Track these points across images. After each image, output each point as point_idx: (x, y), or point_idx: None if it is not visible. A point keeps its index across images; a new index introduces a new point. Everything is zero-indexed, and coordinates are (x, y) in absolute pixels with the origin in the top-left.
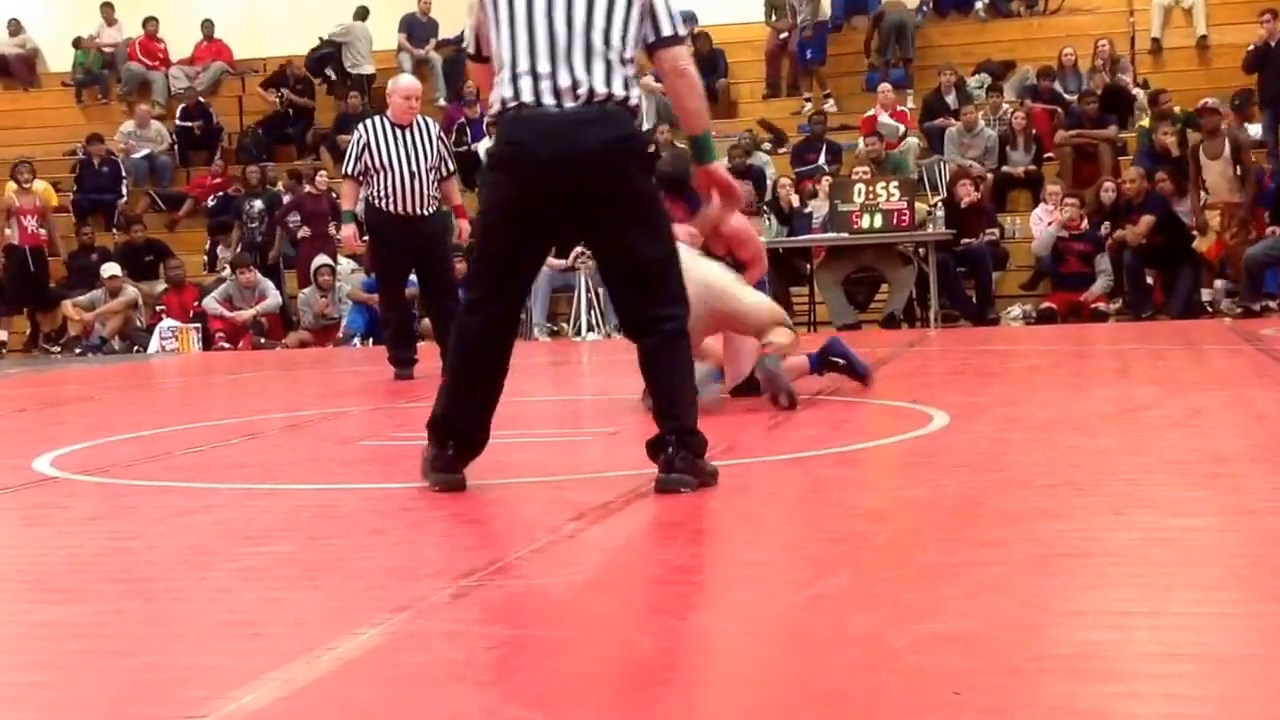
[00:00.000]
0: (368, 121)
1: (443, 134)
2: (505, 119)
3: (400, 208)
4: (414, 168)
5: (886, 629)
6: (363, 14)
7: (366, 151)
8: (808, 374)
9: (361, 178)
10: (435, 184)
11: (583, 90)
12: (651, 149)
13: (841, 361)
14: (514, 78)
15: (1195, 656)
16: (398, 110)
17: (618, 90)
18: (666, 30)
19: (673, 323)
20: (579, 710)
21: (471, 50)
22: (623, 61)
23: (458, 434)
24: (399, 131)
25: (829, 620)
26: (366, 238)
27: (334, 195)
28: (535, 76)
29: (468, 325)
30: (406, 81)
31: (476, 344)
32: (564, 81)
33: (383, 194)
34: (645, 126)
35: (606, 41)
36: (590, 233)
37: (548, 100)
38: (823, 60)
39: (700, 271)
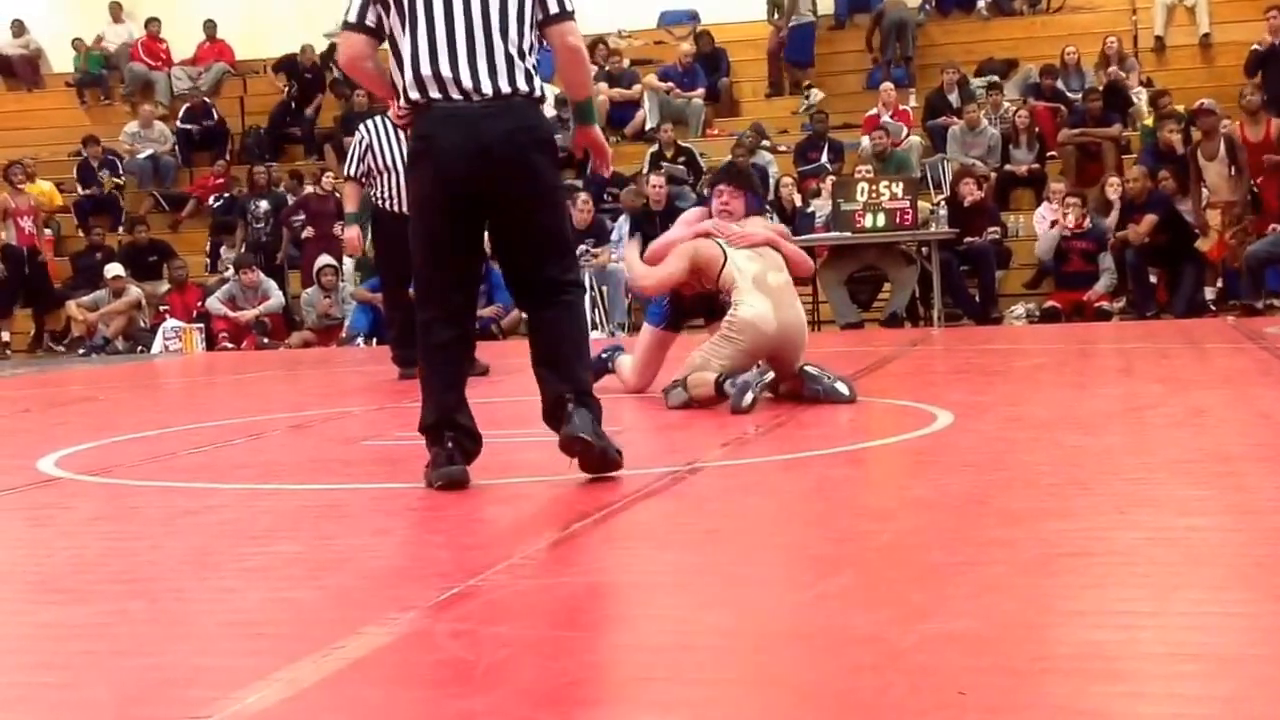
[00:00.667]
0: (369, 122)
1: None
2: (418, 116)
3: (404, 207)
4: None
5: (891, 629)
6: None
7: (369, 153)
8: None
9: (364, 179)
10: None
11: (487, 89)
12: (657, 146)
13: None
14: (419, 79)
15: (1200, 656)
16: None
17: (521, 85)
18: (554, 9)
19: (571, 292)
20: (586, 710)
21: (354, 19)
22: (522, 55)
23: (450, 424)
24: (401, 132)
25: (833, 620)
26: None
27: (338, 195)
28: (440, 80)
29: (420, 325)
30: None
31: (431, 343)
32: (467, 83)
33: (386, 195)
34: (649, 125)
35: (505, 37)
36: (497, 216)
37: (455, 97)
38: (810, 61)
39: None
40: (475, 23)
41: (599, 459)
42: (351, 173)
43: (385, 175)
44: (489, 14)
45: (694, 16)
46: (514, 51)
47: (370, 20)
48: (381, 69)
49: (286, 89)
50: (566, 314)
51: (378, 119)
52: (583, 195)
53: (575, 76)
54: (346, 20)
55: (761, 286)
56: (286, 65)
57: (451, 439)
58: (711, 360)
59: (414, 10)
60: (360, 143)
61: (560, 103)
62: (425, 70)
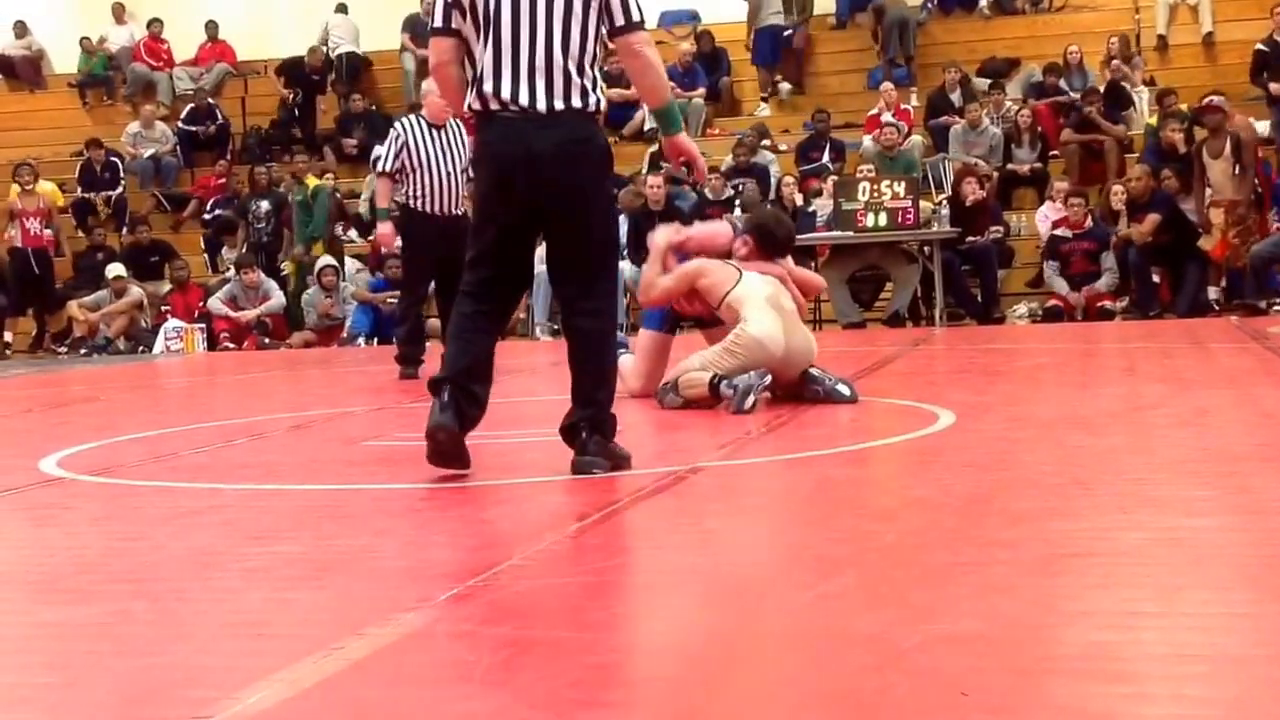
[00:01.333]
0: (405, 120)
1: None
2: (480, 124)
3: (435, 208)
4: (449, 168)
5: (894, 629)
6: (341, 9)
7: (405, 150)
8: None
9: (397, 175)
10: (467, 185)
11: (541, 105)
12: (656, 146)
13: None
14: (481, 94)
15: (1205, 657)
16: (433, 110)
17: (575, 101)
18: (620, 20)
19: (595, 315)
20: (587, 711)
21: (440, 24)
22: (580, 71)
23: (452, 381)
24: (435, 131)
25: (836, 620)
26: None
27: (338, 195)
28: (499, 98)
29: (458, 297)
30: None
31: (460, 311)
32: (524, 100)
33: (418, 193)
34: (648, 125)
35: (566, 54)
36: (547, 223)
37: (513, 109)
38: (778, 61)
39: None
40: (539, 40)
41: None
42: (386, 168)
43: (417, 173)
44: (552, 31)
45: (694, 16)
46: (573, 68)
47: (455, 24)
48: (464, 77)
49: (291, 95)
50: (590, 339)
51: (413, 117)
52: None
53: (645, 83)
54: (433, 25)
55: (775, 306)
56: (290, 69)
57: (449, 392)
58: (710, 369)
59: (485, 25)
60: (396, 139)
61: None
62: (488, 87)
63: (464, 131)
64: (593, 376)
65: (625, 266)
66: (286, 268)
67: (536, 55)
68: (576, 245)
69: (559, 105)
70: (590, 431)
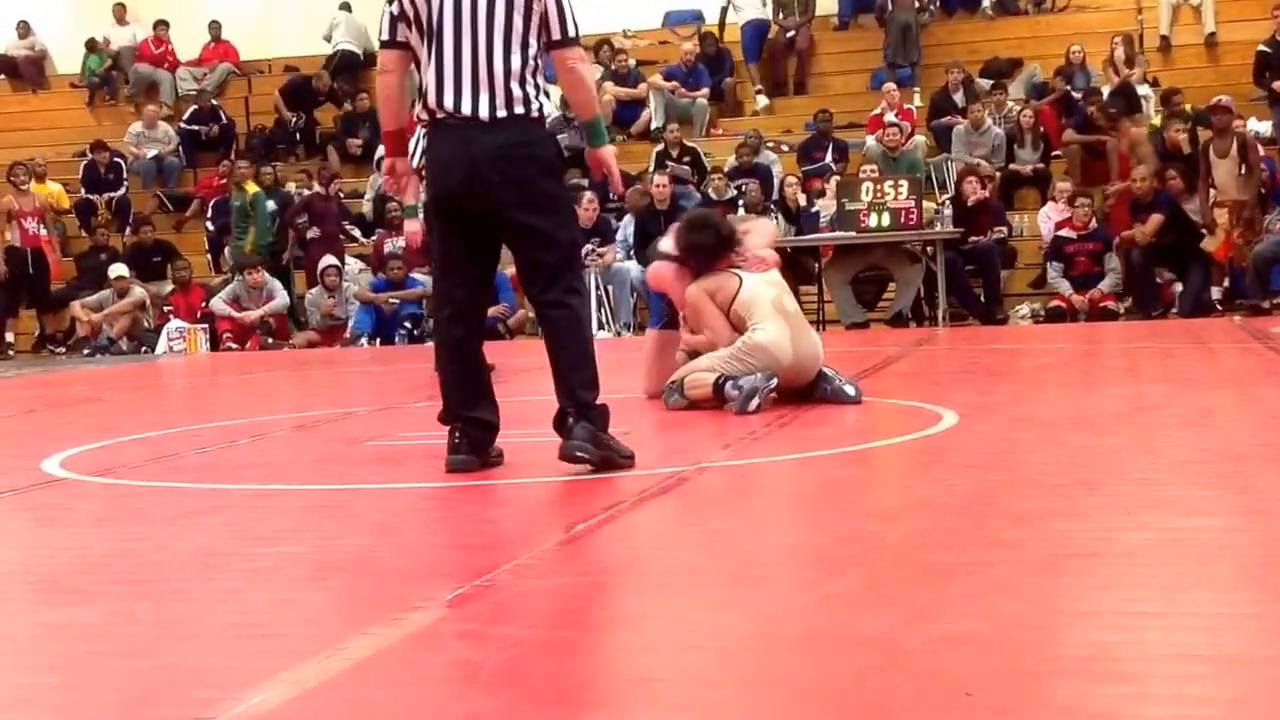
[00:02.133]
0: None
1: None
2: (429, 132)
3: None
4: None
5: (897, 629)
6: (345, 7)
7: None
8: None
9: (422, 172)
10: None
11: (484, 113)
12: (662, 145)
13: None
14: (427, 106)
15: (1208, 658)
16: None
17: (517, 108)
18: (556, 35)
19: (565, 305)
20: (592, 711)
21: (386, 37)
22: (521, 81)
23: (457, 418)
24: None
25: (839, 621)
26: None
27: (342, 196)
28: (444, 107)
29: (435, 324)
30: None
31: (442, 340)
32: (466, 110)
33: None
34: (655, 124)
35: (507, 64)
36: (495, 225)
37: (457, 117)
38: (758, 57)
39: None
40: (480, 52)
41: (601, 465)
42: (412, 165)
43: None
44: (493, 43)
45: (699, 16)
46: (514, 77)
47: (401, 37)
48: (403, 87)
49: (294, 119)
50: (560, 327)
51: None
52: (588, 195)
53: (576, 97)
54: (380, 38)
55: (781, 311)
56: (296, 88)
57: (459, 431)
58: (717, 370)
59: (429, 40)
60: (424, 136)
61: (567, 103)
62: (432, 99)
63: None
64: (568, 362)
65: (631, 266)
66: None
67: (479, 66)
68: (533, 246)
69: (501, 113)
70: (576, 417)
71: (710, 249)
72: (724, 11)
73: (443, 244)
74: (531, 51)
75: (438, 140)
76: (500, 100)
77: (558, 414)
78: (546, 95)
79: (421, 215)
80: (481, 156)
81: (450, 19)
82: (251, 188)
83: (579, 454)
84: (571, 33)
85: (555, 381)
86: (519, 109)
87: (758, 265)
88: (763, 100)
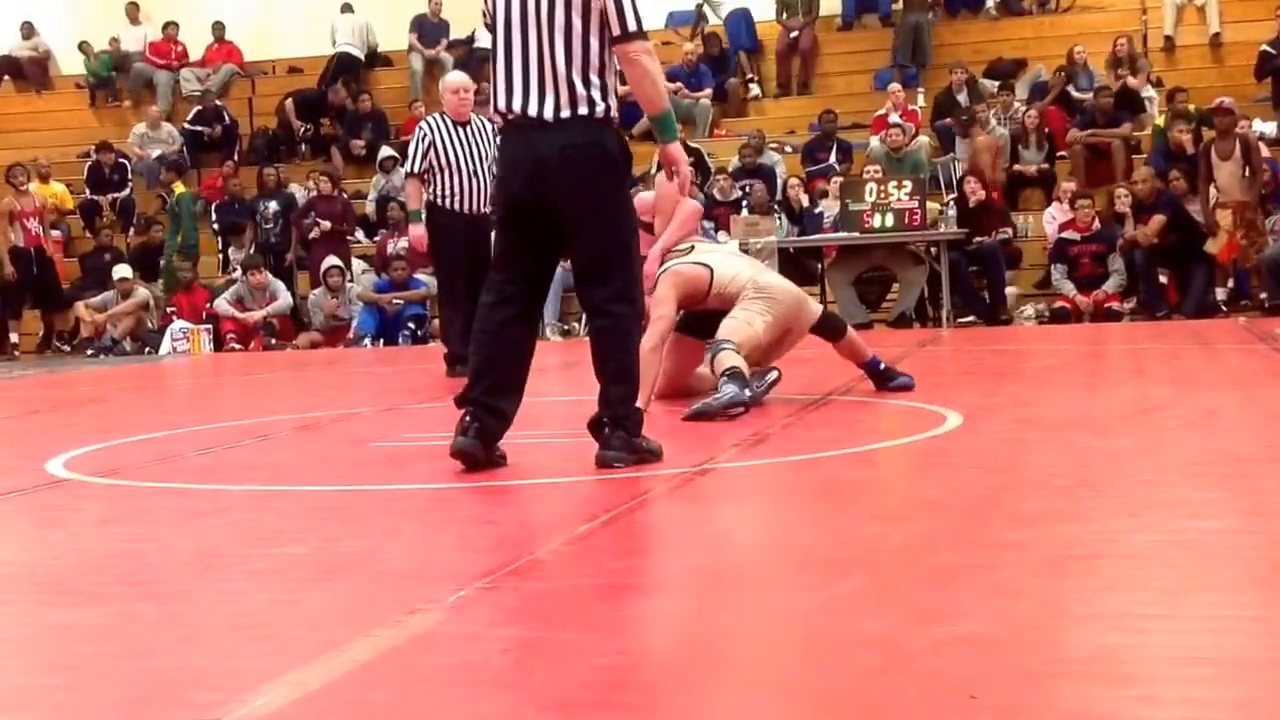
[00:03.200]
0: (430, 120)
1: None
2: (500, 132)
3: (463, 206)
4: (475, 165)
5: (901, 631)
6: (347, 8)
7: (432, 150)
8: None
9: (425, 176)
10: (493, 182)
11: (548, 114)
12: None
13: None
14: (496, 107)
15: (1213, 660)
16: (452, 106)
17: (581, 109)
18: (616, 30)
19: (611, 315)
20: (596, 713)
21: (411, 169)
22: (585, 81)
23: (473, 400)
24: (459, 129)
25: (844, 622)
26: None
27: (345, 197)
28: (511, 109)
29: (479, 309)
30: (454, 76)
31: (481, 324)
32: (533, 112)
33: (447, 193)
34: None
35: (569, 67)
36: (554, 225)
37: (522, 118)
38: (754, 45)
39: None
40: (544, 53)
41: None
42: (414, 169)
43: (444, 173)
44: (555, 44)
45: (703, 17)
46: (577, 77)
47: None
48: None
49: (303, 129)
50: (604, 337)
51: (438, 116)
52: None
53: (641, 91)
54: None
55: (768, 269)
56: (309, 100)
57: (470, 414)
58: (755, 319)
59: (495, 42)
60: (423, 139)
61: None
62: (501, 101)
63: (490, 127)
64: (610, 374)
65: None
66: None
67: (543, 67)
68: (589, 247)
69: (564, 113)
70: (612, 427)
71: None
72: (699, 9)
73: (504, 240)
74: (594, 50)
75: (505, 141)
76: (565, 100)
77: (594, 418)
78: (615, 96)
79: (424, 219)
80: (544, 157)
81: (516, 20)
82: (179, 188)
83: (615, 464)
84: (632, 26)
85: (599, 388)
86: (583, 109)
87: (691, 226)
88: (754, 89)
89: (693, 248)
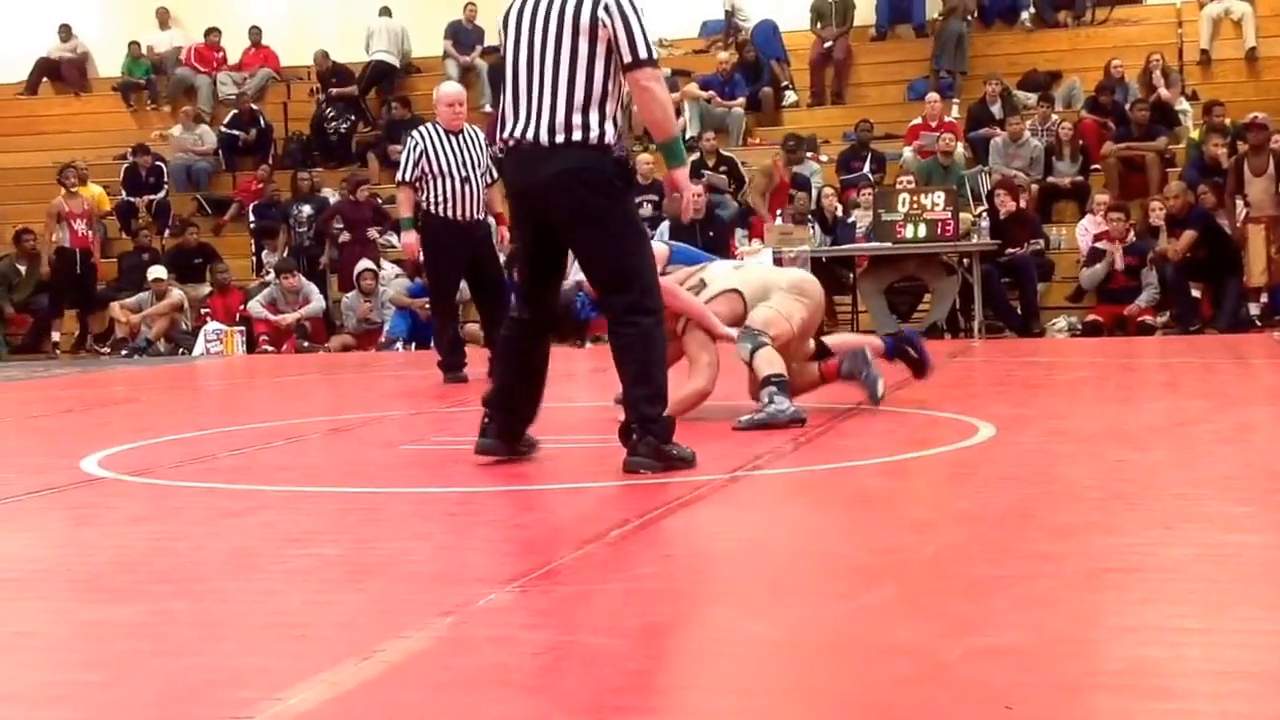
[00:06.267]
0: (422, 129)
1: (486, 142)
2: (504, 157)
3: (456, 214)
4: (467, 173)
5: (935, 641)
6: (385, 12)
7: (424, 158)
8: (880, 356)
9: (417, 184)
10: (487, 189)
11: (544, 140)
12: (698, 154)
13: (913, 354)
14: (501, 135)
15: (1251, 674)
16: (445, 117)
17: (575, 135)
18: (627, 58)
19: (632, 323)
20: (625, 718)
21: (402, 178)
22: (586, 107)
23: (494, 405)
24: (451, 138)
25: (876, 631)
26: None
27: (378, 201)
28: (514, 132)
29: (509, 327)
30: (448, 88)
31: (507, 341)
32: (530, 137)
33: (438, 200)
34: (690, 134)
35: (570, 96)
36: (569, 244)
37: (526, 140)
38: (781, 56)
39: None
40: (545, 81)
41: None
42: (406, 178)
43: (437, 180)
44: (558, 71)
45: (733, 27)
46: (577, 104)
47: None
48: None
49: (336, 122)
50: (622, 345)
51: (430, 125)
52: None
53: (649, 117)
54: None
55: (782, 268)
56: (346, 104)
57: (489, 415)
58: (794, 314)
59: (505, 71)
60: (414, 148)
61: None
62: (506, 129)
63: (481, 136)
64: (632, 377)
65: None
66: None
67: (543, 94)
68: (595, 263)
69: (559, 138)
70: (640, 433)
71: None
72: (729, 16)
73: (519, 254)
74: (598, 77)
75: (507, 165)
76: (560, 125)
77: (622, 425)
78: (614, 122)
79: (416, 226)
80: (541, 183)
81: (524, 47)
82: None
83: (641, 470)
84: (643, 54)
85: (623, 396)
86: (577, 135)
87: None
88: (791, 96)
89: (702, 282)
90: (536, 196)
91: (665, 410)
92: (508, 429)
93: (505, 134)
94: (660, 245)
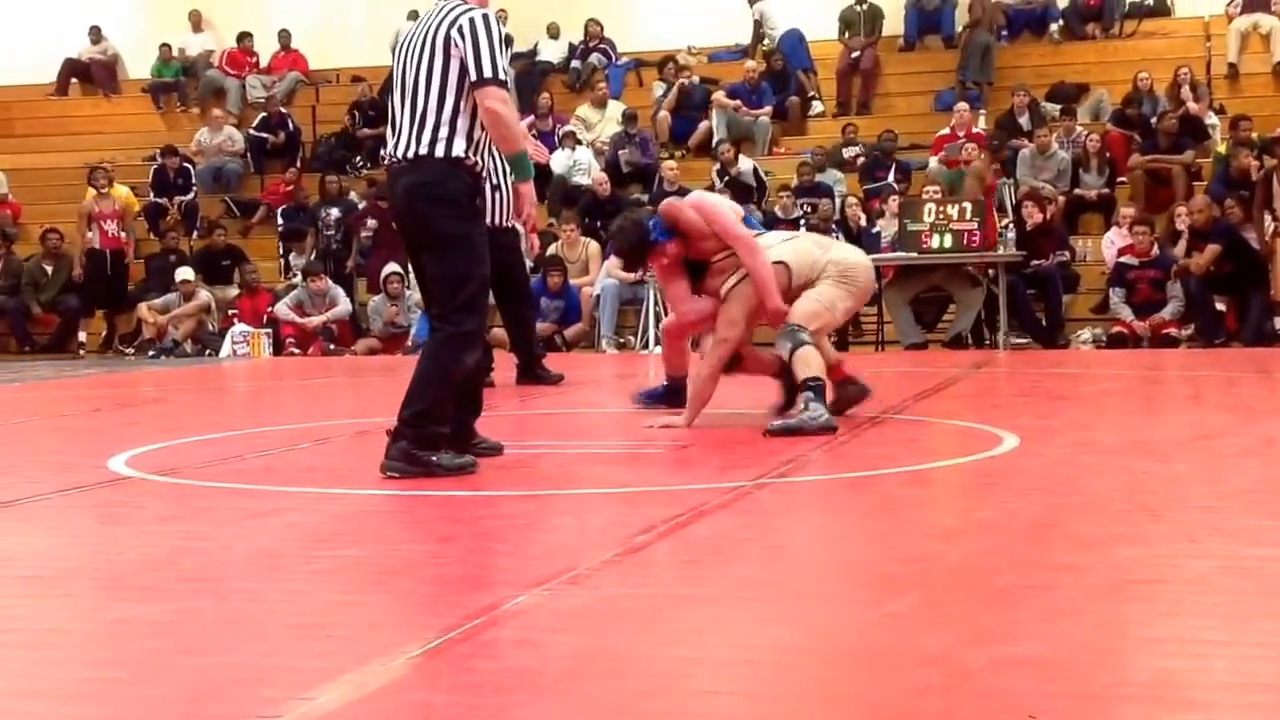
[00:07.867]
0: None
1: None
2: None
3: (489, 219)
4: (498, 180)
5: (960, 650)
6: (414, 15)
7: None
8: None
9: None
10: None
11: (400, 153)
12: (718, 164)
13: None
14: (384, 146)
15: (1274, 687)
16: None
17: (423, 150)
18: (473, 76)
19: (443, 330)
20: None
21: None
22: (438, 124)
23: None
24: (496, 147)
25: (901, 640)
26: None
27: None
28: (389, 150)
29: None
30: None
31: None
32: (397, 151)
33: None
34: (716, 139)
35: (424, 113)
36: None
37: (394, 157)
38: (808, 66)
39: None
40: (413, 100)
41: (417, 476)
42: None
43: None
44: (418, 91)
45: (763, 37)
46: (429, 120)
47: None
48: None
49: (358, 129)
50: (424, 352)
51: None
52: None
53: (495, 134)
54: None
55: (838, 243)
56: (373, 105)
57: (392, 431)
58: (837, 305)
59: (391, 92)
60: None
61: (629, 118)
62: (390, 142)
63: None
64: (409, 387)
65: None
66: None
67: (408, 112)
68: (434, 281)
69: (411, 153)
70: (395, 437)
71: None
72: (756, 26)
73: (413, 264)
74: (450, 95)
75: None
76: (415, 140)
77: (395, 426)
78: (467, 138)
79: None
80: (399, 192)
81: (399, 70)
82: None
83: (389, 473)
84: (488, 73)
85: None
86: (424, 150)
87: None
88: (818, 106)
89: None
90: (395, 208)
91: (437, 424)
92: (457, 437)
93: (383, 153)
94: (735, 204)
